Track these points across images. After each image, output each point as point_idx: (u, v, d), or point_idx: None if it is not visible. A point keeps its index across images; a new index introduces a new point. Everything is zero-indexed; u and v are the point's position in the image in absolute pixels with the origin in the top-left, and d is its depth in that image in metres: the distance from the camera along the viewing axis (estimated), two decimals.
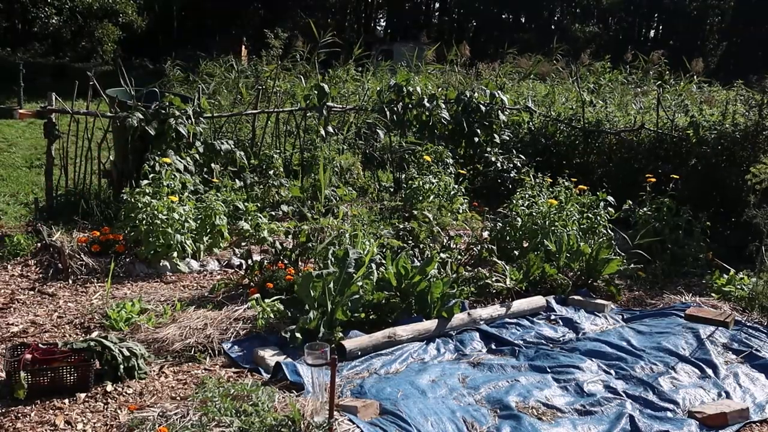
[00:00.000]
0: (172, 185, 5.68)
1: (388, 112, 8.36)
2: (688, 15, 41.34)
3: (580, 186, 6.53)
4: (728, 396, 3.78)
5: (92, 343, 3.48)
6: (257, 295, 4.37)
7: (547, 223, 5.85)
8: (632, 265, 5.73)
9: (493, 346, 4.35)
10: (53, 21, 21.08)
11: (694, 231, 6.25)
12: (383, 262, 4.77)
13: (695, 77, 12.37)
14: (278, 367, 3.64)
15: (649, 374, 3.97)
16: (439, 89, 9.39)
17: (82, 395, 3.34)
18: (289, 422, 2.98)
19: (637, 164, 7.91)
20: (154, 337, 3.96)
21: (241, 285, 4.95)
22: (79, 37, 23.86)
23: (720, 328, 4.70)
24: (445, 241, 5.83)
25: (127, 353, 3.54)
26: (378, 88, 9.14)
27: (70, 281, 5.03)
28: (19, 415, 3.15)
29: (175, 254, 5.41)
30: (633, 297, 5.56)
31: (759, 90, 7.53)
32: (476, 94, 9.01)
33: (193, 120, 6.63)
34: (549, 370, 3.95)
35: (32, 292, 4.79)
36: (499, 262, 5.47)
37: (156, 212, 5.27)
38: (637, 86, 12.45)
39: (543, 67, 13.53)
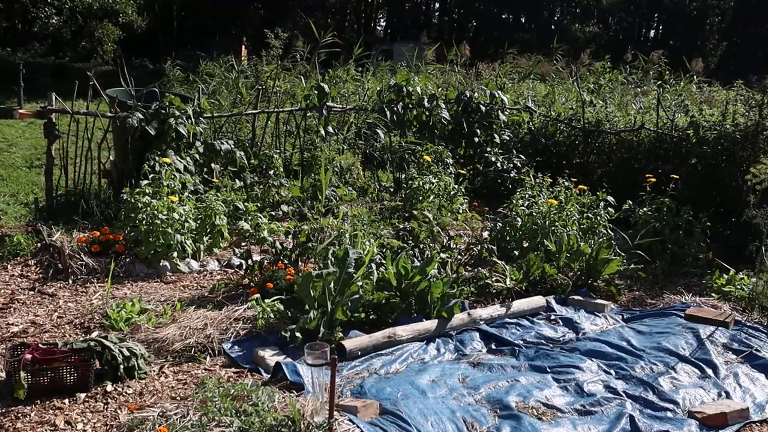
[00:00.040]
0: (172, 185, 5.68)
1: (388, 112, 8.36)
2: (688, 15, 41.35)
3: (580, 186, 6.53)
4: (728, 396, 3.78)
5: (92, 343, 3.48)
6: (257, 295, 4.37)
7: (547, 223, 5.85)
8: (632, 265, 5.73)
9: (493, 346, 4.35)
10: (53, 21, 21.08)
11: (694, 231, 6.25)
12: (383, 262, 4.77)
13: (695, 77, 12.37)
14: (278, 367, 3.64)
15: (649, 374, 3.97)
16: (439, 89, 9.39)
17: (82, 395, 3.34)
18: (289, 422, 2.98)
19: (637, 164, 7.91)
20: (154, 337, 3.96)
21: (241, 285, 4.95)
22: (79, 37, 23.85)
23: (720, 328, 4.70)
24: (445, 241, 5.83)
25: (127, 353, 3.55)
26: (378, 88, 9.14)
27: (70, 281, 5.03)
28: (19, 415, 3.15)
29: (175, 254, 5.41)
30: (633, 297, 5.56)
31: (759, 90, 7.53)
32: (476, 94, 9.01)
33: (193, 120, 6.63)
34: (549, 370, 3.95)
35: (32, 292, 4.79)
36: (499, 262, 5.47)
37: (156, 212, 5.27)
38: (637, 86, 12.45)
39: (543, 67, 13.52)
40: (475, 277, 5.21)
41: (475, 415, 3.32)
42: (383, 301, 4.46)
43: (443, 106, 8.74)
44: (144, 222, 5.26)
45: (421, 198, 6.73)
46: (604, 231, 6.10)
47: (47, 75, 18.70)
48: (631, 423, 3.38)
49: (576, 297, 5.20)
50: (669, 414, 3.53)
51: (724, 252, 6.28)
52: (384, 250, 5.15)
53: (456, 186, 7.08)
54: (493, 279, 5.19)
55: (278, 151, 7.90)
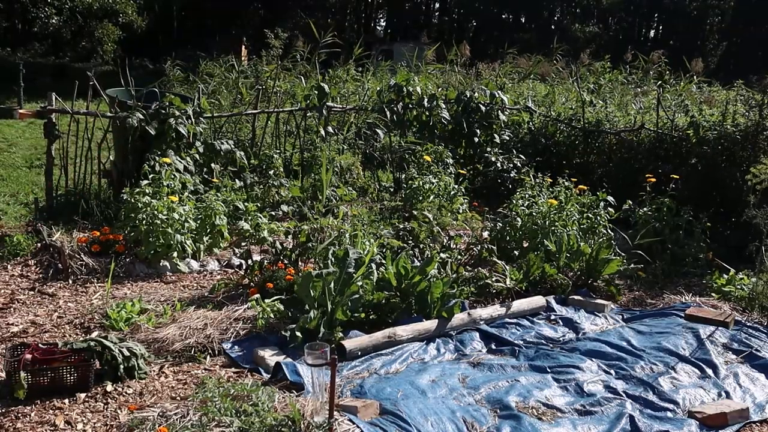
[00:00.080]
0: (172, 185, 5.68)
1: (388, 112, 8.36)
2: (688, 15, 41.35)
3: (580, 186, 6.53)
4: (728, 396, 3.78)
5: (92, 343, 3.48)
6: (257, 295, 4.37)
7: (547, 223, 5.85)
8: (632, 265, 5.73)
9: (493, 346, 4.35)
10: (53, 21, 21.07)
11: (694, 231, 6.25)
12: (383, 262, 4.77)
13: (695, 77, 12.37)
14: (278, 367, 3.64)
15: (649, 374, 3.97)
16: (439, 89, 9.39)
17: (82, 395, 3.34)
18: (289, 422, 2.98)
19: (637, 164, 7.91)
20: (154, 337, 3.96)
21: (241, 285, 4.95)
22: (79, 37, 23.85)
23: (720, 328, 4.70)
24: (445, 241, 5.83)
25: (127, 353, 3.55)
26: (378, 88, 9.14)
27: (70, 281, 5.03)
28: (19, 415, 3.15)
29: (175, 254, 5.41)
30: (633, 297, 5.56)
31: (759, 90, 7.53)
32: (476, 94, 9.01)
33: (193, 120, 6.63)
34: (549, 370, 3.95)
35: (32, 292, 4.79)
36: (499, 262, 5.47)
37: (156, 212, 5.27)
38: (637, 86, 12.45)
39: (543, 67, 13.52)
40: (475, 277, 5.21)
41: (475, 415, 3.32)
42: (383, 301, 4.45)
43: (443, 106, 8.74)
44: (144, 222, 5.26)
45: (421, 198, 6.73)
46: (604, 231, 6.10)
47: (47, 75, 18.70)
48: (631, 423, 3.38)
49: (576, 297, 5.20)
50: (669, 414, 3.53)
51: (724, 252, 6.28)
52: (384, 250, 5.15)
53: (456, 186, 7.08)
54: (493, 279, 5.19)
55: (278, 151, 7.90)
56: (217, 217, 5.75)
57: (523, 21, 45.55)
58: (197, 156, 6.65)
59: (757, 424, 3.56)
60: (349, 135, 8.71)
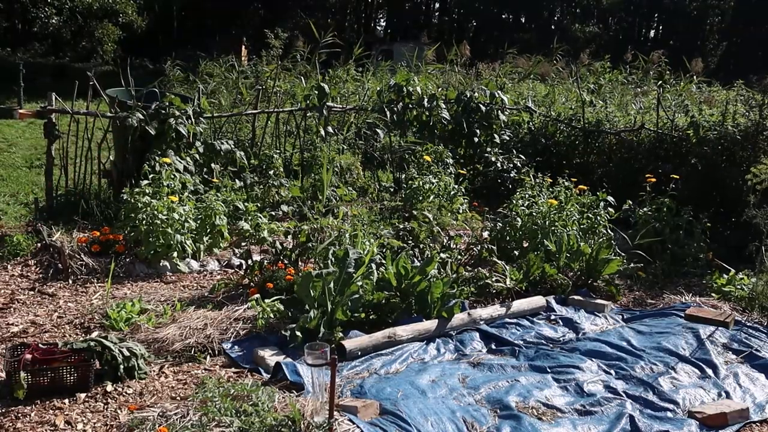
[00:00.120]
0: (172, 185, 5.68)
1: (388, 112, 8.36)
2: (688, 15, 41.35)
3: (580, 186, 6.53)
4: (728, 396, 3.78)
5: (92, 343, 3.48)
6: (257, 295, 4.37)
7: (547, 223, 5.85)
8: (632, 265, 5.73)
9: (493, 346, 4.35)
10: (53, 21, 21.07)
11: (695, 231, 6.25)
12: (383, 262, 4.77)
13: (695, 77, 12.37)
14: (278, 367, 3.64)
15: (649, 374, 3.97)
16: (439, 89, 9.38)
17: (82, 395, 3.34)
18: (289, 422, 2.98)
19: (637, 164, 7.91)
20: (154, 337, 3.96)
21: (241, 285, 4.95)
22: (79, 37, 23.84)
23: (720, 328, 4.70)
24: (445, 241, 5.83)
25: (127, 353, 3.55)
26: (378, 88, 9.14)
27: (70, 281, 5.03)
28: (19, 415, 3.15)
29: (175, 254, 5.41)
30: (633, 297, 5.56)
31: (759, 90, 7.53)
32: (476, 94, 9.00)
33: (193, 120, 6.63)
34: (549, 370, 3.95)
35: (32, 292, 4.79)
36: (499, 262, 5.47)
37: (156, 212, 5.27)
38: (637, 86, 12.45)
39: (543, 67, 13.52)
40: (475, 277, 5.21)
41: (475, 415, 3.32)
42: (383, 301, 4.46)
43: (443, 106, 8.74)
44: (144, 222, 5.26)
45: (421, 198, 6.73)
46: (604, 231, 6.10)
47: (47, 75, 18.70)
48: (631, 423, 3.38)
49: (576, 297, 5.20)
50: (669, 414, 3.53)
51: (724, 252, 6.28)
52: (384, 250, 5.15)
53: (456, 186, 7.08)
54: (493, 279, 5.19)
55: (278, 151, 7.90)
56: (217, 217, 5.75)
57: (523, 21, 45.56)
58: (197, 156, 6.65)
59: (757, 424, 3.56)
60: (349, 135, 8.71)
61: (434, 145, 8.13)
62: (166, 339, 3.93)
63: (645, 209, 6.37)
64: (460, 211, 6.68)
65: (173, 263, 5.41)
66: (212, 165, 6.86)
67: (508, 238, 5.96)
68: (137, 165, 6.37)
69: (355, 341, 3.98)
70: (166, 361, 3.79)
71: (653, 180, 6.54)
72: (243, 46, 19.68)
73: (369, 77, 11.77)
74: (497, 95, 9.13)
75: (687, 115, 7.93)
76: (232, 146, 7.10)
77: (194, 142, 6.65)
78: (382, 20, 44.77)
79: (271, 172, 7.30)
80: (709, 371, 4.05)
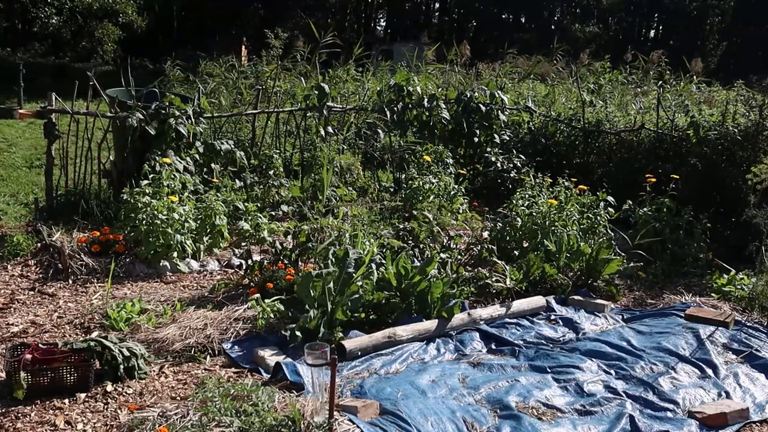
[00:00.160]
0: (172, 185, 5.68)
1: (388, 112, 8.36)
2: (688, 15, 41.36)
3: (580, 186, 6.53)
4: (728, 396, 3.78)
5: (92, 343, 3.48)
6: (257, 295, 4.37)
7: (547, 223, 5.85)
8: (632, 265, 5.73)
9: (493, 346, 4.35)
10: (53, 21, 21.07)
11: (695, 231, 6.25)
12: (383, 262, 4.77)
13: (695, 77, 12.37)
14: (278, 367, 3.64)
15: (649, 374, 3.97)
16: (439, 89, 9.38)
17: (82, 395, 3.34)
18: (289, 422, 2.98)
19: (637, 164, 7.91)
20: (154, 337, 3.96)
21: (241, 285, 4.95)
22: (79, 37, 23.84)
23: (720, 328, 4.70)
24: (445, 241, 5.83)
25: (127, 353, 3.55)
26: (378, 88, 9.14)
27: (70, 281, 5.03)
28: (19, 415, 3.15)
29: (175, 254, 5.41)
30: (633, 297, 5.56)
31: (759, 90, 7.53)
32: (476, 94, 9.01)
33: (193, 120, 6.63)
34: (549, 370, 3.95)
35: (32, 292, 4.79)
36: (499, 262, 5.47)
37: (156, 212, 5.27)
38: (637, 86, 12.45)
39: (543, 67, 13.52)
40: (475, 277, 5.21)
41: (475, 415, 3.32)
42: (383, 301, 4.46)
43: (443, 106, 8.74)
44: (144, 222, 5.26)
45: (421, 198, 6.73)
46: (604, 231, 6.11)
47: (47, 75, 18.70)
48: (631, 423, 3.38)
49: (576, 297, 5.20)
50: (669, 414, 3.53)
51: (724, 252, 6.28)
52: (384, 250, 5.15)
53: (456, 186, 7.08)
54: (493, 279, 5.19)
55: (278, 151, 7.90)
56: (217, 217, 5.75)
57: (523, 21, 45.56)
58: (197, 156, 6.65)
59: (757, 424, 3.56)
60: (349, 135, 8.71)
61: (434, 145, 8.13)
62: (166, 339, 3.93)
63: (645, 209, 6.37)
64: (460, 211, 6.68)
65: (173, 263, 5.41)
66: (212, 165, 6.86)
67: (508, 238, 5.96)
68: (137, 165, 6.37)
69: (355, 341, 3.98)
70: (166, 361, 3.79)
71: (653, 180, 6.54)
72: (243, 46, 19.68)
73: (369, 77, 11.77)
74: (497, 95, 9.13)
75: (687, 115, 7.93)
76: (232, 146, 7.10)
77: (194, 142, 6.65)
78: (382, 20, 44.82)
79: (271, 172, 7.30)
80: (709, 371, 4.05)
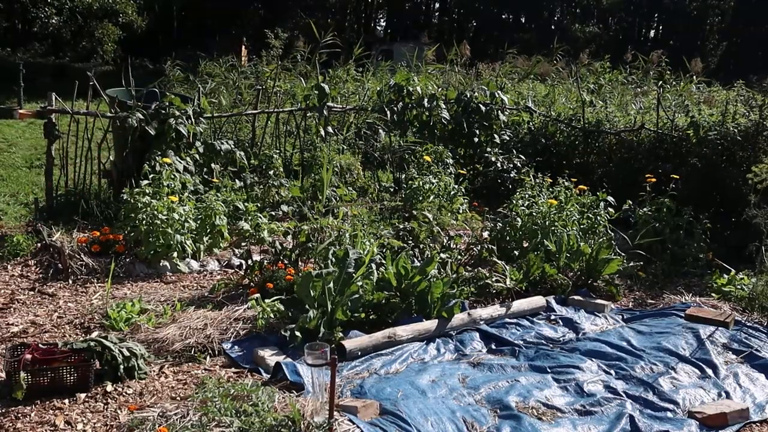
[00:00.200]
0: (172, 185, 5.68)
1: (388, 112, 8.36)
2: (688, 15, 41.37)
3: (580, 186, 6.53)
4: (728, 396, 3.78)
5: (92, 343, 3.48)
6: (257, 295, 4.37)
7: (547, 223, 5.85)
8: (632, 265, 5.73)
9: (493, 346, 4.35)
10: (53, 21, 21.06)
11: (695, 231, 6.25)
12: (383, 262, 4.77)
13: (695, 77, 12.37)
14: (278, 367, 3.64)
15: (649, 374, 3.97)
16: (439, 89, 9.38)
17: (82, 395, 3.34)
18: (289, 422, 2.98)
19: (637, 164, 7.91)
20: (154, 337, 3.96)
21: (241, 285, 4.95)
22: (79, 37, 23.83)
23: (720, 328, 4.70)
24: (445, 241, 5.83)
25: (127, 353, 3.55)
26: (378, 88, 9.14)
27: (70, 281, 5.03)
28: (19, 415, 3.15)
29: (175, 254, 5.41)
30: (633, 297, 5.56)
31: (759, 90, 7.53)
32: (476, 94, 9.01)
33: (193, 120, 6.63)
34: (549, 370, 3.95)
35: (32, 292, 4.79)
36: (499, 262, 5.47)
37: (156, 212, 5.27)
38: (637, 86, 12.45)
39: (543, 67, 13.52)
40: (475, 277, 5.21)
41: (475, 415, 3.32)
42: (383, 301, 4.46)
43: (443, 106, 8.74)
44: (144, 222, 5.26)
45: (421, 198, 6.73)
46: (604, 231, 6.11)
47: (47, 75, 18.70)
48: (631, 423, 3.38)
49: (576, 297, 5.20)
50: (669, 414, 3.53)
51: (724, 252, 6.28)
52: (384, 250, 5.15)
53: (456, 186, 7.08)
54: (493, 279, 5.19)
55: (278, 151, 7.90)
56: (217, 217, 5.75)
57: (523, 21, 45.58)
58: (197, 156, 6.65)
59: (757, 424, 3.56)
60: (349, 135, 8.71)
61: (434, 145, 8.13)
62: (166, 339, 3.93)
63: (645, 209, 6.37)
64: (460, 211, 6.68)
65: (173, 263, 5.41)
66: (212, 165, 6.86)
67: (508, 238, 5.96)
68: (137, 165, 6.37)
69: (355, 341, 3.98)
70: (166, 361, 3.79)
71: (653, 180, 6.54)
72: (243, 46, 19.68)
73: (369, 77, 11.77)
74: (497, 95, 9.13)
75: (687, 115, 7.93)
76: (232, 146, 7.10)
77: (194, 142, 6.65)
78: (382, 20, 44.82)
79: (271, 172, 7.30)
80: (709, 371, 4.05)
